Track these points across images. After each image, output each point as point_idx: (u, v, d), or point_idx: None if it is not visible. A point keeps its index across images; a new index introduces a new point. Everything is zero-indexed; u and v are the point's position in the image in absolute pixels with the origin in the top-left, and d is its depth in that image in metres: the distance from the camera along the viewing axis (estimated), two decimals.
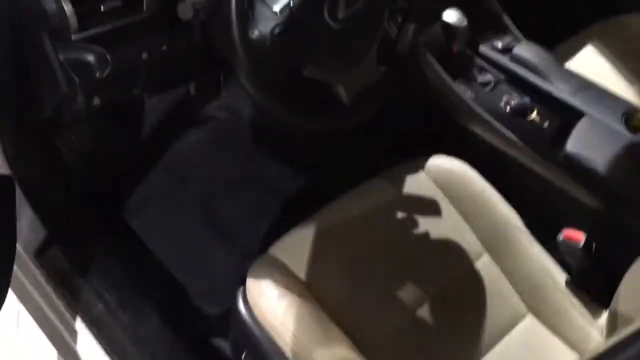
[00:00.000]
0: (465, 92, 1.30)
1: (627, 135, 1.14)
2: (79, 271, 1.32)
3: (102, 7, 0.91)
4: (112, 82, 0.98)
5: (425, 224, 1.16)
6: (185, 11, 0.93)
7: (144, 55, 1.00)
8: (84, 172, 1.46)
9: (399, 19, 1.13)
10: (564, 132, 1.19)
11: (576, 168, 1.13)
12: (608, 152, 1.12)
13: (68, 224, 1.37)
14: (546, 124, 1.22)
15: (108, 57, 0.94)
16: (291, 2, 0.91)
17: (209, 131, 1.69)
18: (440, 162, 1.22)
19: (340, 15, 0.96)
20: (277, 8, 0.91)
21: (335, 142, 1.51)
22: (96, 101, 1.02)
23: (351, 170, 1.32)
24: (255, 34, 0.90)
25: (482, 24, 1.42)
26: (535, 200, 1.27)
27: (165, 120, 1.63)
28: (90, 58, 0.92)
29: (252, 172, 1.60)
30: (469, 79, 1.33)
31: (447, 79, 1.31)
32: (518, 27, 1.44)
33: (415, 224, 1.17)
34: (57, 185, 1.39)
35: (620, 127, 1.16)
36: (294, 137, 1.59)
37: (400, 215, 1.18)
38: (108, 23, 0.94)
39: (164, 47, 1.02)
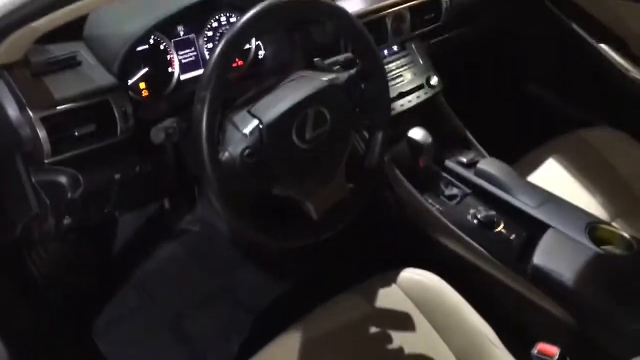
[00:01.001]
0: (433, 206, 1.34)
1: (591, 248, 1.17)
2: None
3: (75, 132, 0.94)
4: (84, 203, 1.00)
5: (399, 339, 1.14)
6: (157, 135, 0.96)
7: (117, 176, 1.02)
8: (53, 291, 1.43)
9: (366, 136, 1.18)
10: (531, 244, 1.21)
11: (544, 281, 1.14)
12: (574, 265, 1.13)
13: (34, 347, 1.32)
14: (513, 236, 1.25)
15: (80, 178, 0.96)
16: (260, 124, 0.95)
17: (182, 245, 1.68)
18: (412, 275, 1.22)
19: (308, 136, 0.99)
20: (246, 130, 0.94)
21: (307, 256, 1.51)
22: (67, 221, 1.02)
23: (323, 284, 1.31)
24: (225, 155, 0.92)
25: (447, 140, 1.49)
26: (508, 313, 1.26)
27: (138, 235, 1.63)
28: (63, 180, 0.94)
29: (224, 286, 1.59)
30: (436, 193, 1.38)
31: (415, 193, 1.35)
32: (481, 143, 1.50)
33: (388, 339, 1.15)
34: (25, 309, 1.36)
35: (585, 240, 1.19)
36: (267, 251, 1.59)
37: (373, 330, 1.16)
38: (82, 147, 0.96)
39: (137, 168, 1.04)
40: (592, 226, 1.22)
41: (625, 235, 1.21)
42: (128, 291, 1.53)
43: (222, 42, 0.90)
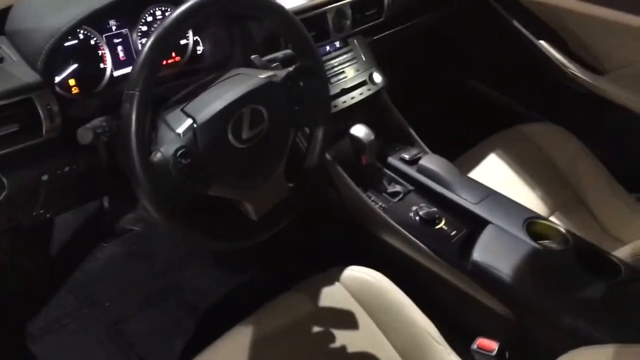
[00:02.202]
0: (375, 203, 1.34)
1: (529, 243, 1.19)
2: None
3: None
4: (10, 206, 0.95)
5: (343, 337, 1.14)
6: (84, 136, 0.92)
7: (45, 177, 0.97)
8: None
9: (307, 133, 1.16)
10: (471, 240, 1.22)
11: (483, 276, 1.16)
12: (512, 260, 1.15)
13: None
14: (454, 233, 1.26)
15: (4, 180, 0.91)
16: (194, 124, 0.92)
17: (123, 245, 1.64)
18: (355, 273, 1.22)
19: (245, 136, 0.97)
20: (180, 130, 0.91)
21: (251, 255, 1.49)
22: None
23: (267, 283, 1.29)
24: (157, 156, 0.89)
25: (390, 137, 1.49)
26: (450, 309, 1.28)
27: (77, 236, 1.58)
28: None
29: (167, 287, 1.55)
30: (379, 190, 1.38)
31: (358, 190, 1.34)
32: (424, 140, 1.51)
33: (332, 338, 1.14)
34: None
35: (523, 235, 1.21)
36: (210, 251, 1.56)
37: (317, 329, 1.16)
38: (4, 147, 0.91)
39: (67, 169, 1.00)
40: (530, 221, 1.25)
41: (562, 229, 1.23)
42: (66, 294, 1.48)
43: (151, 37, 0.87)
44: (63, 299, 1.46)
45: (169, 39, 0.89)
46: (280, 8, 1.03)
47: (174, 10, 0.89)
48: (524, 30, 1.79)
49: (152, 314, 1.49)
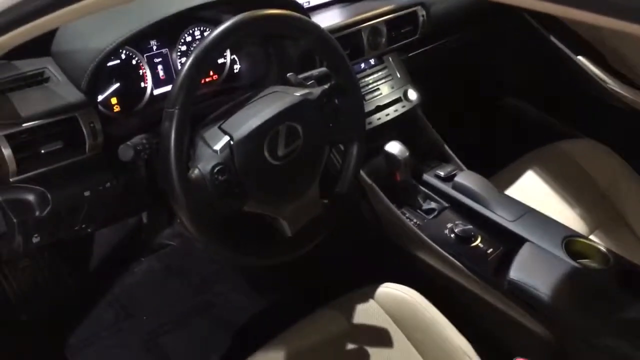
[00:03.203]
0: (410, 220, 1.33)
1: (568, 262, 1.16)
2: None
3: (42, 150, 0.92)
4: (53, 221, 0.97)
5: (377, 355, 1.13)
6: (125, 153, 0.95)
7: (87, 193, 1.00)
8: (27, 309, 1.41)
9: (342, 149, 1.17)
10: (508, 258, 1.20)
11: (521, 295, 1.14)
12: (550, 279, 1.13)
13: None
14: (490, 250, 1.24)
15: (48, 196, 0.94)
16: (231, 141, 0.94)
17: (160, 260, 1.67)
18: (389, 290, 1.22)
19: (281, 153, 0.98)
20: (217, 147, 0.93)
21: (285, 272, 1.49)
22: (36, 239, 1.00)
23: (301, 300, 1.30)
24: (195, 173, 0.91)
25: (425, 153, 1.48)
26: (486, 327, 1.25)
27: (116, 250, 1.62)
28: (30, 198, 0.92)
29: (202, 302, 1.57)
30: (413, 207, 1.37)
31: (393, 207, 1.34)
32: (460, 156, 1.50)
33: (366, 355, 1.14)
34: None
35: (562, 254, 1.18)
36: (246, 267, 1.58)
37: (351, 346, 1.15)
38: (49, 164, 0.94)
39: (108, 185, 1.02)
40: (569, 240, 1.22)
41: (602, 248, 1.20)
42: (104, 308, 1.51)
43: (191, 57, 0.89)
44: (101, 313, 1.49)
45: (207, 58, 0.91)
46: (315, 27, 1.04)
47: (213, 31, 0.91)
48: (561, 46, 1.77)
49: (187, 329, 1.51)
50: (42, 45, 1.00)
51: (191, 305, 1.56)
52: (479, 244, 1.26)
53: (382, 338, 1.16)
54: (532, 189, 1.53)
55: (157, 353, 1.44)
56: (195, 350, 1.46)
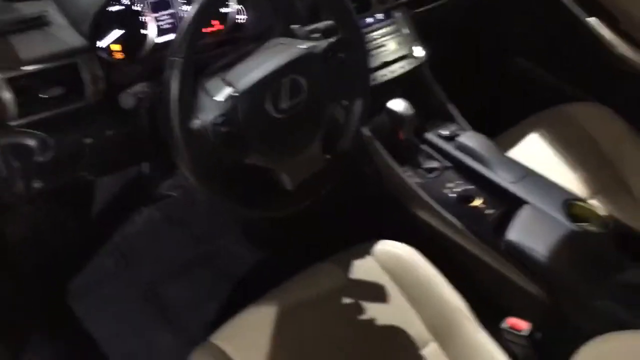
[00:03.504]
0: (411, 179, 1.33)
1: (567, 225, 1.17)
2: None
3: (43, 95, 0.91)
4: (54, 166, 0.98)
5: (373, 310, 1.15)
6: (126, 100, 0.94)
7: (88, 140, 1.00)
8: (28, 255, 1.42)
9: (346, 105, 1.16)
10: (507, 219, 1.21)
11: (518, 256, 1.15)
12: (548, 241, 1.13)
13: (9, 310, 1.32)
14: (490, 211, 1.25)
15: (50, 141, 0.94)
16: (234, 92, 0.92)
17: (161, 210, 1.68)
18: (387, 248, 1.23)
19: (284, 106, 0.97)
20: (219, 98, 0.92)
21: (286, 225, 1.50)
22: (37, 185, 1.00)
23: (300, 253, 1.31)
24: (197, 123, 0.90)
25: (429, 112, 1.47)
26: (482, 286, 1.27)
27: (117, 199, 1.62)
28: (31, 143, 0.92)
29: (202, 253, 1.59)
30: (415, 166, 1.37)
31: (394, 165, 1.34)
32: (465, 117, 1.49)
33: (362, 310, 1.16)
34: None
35: (561, 216, 1.19)
36: (247, 220, 1.59)
37: (347, 300, 1.17)
38: (50, 110, 0.93)
39: (109, 132, 1.02)
40: (569, 203, 1.22)
41: (602, 212, 1.21)
42: (104, 256, 1.52)
43: (196, 5, 0.87)
44: (101, 261, 1.51)
45: (212, 6, 0.90)
46: None
47: None
48: (573, 7, 1.73)
49: (187, 279, 1.53)
50: None
51: (191, 255, 1.58)
52: (479, 205, 1.27)
53: (378, 294, 1.17)
54: (535, 151, 1.52)
55: (156, 302, 1.47)
56: (194, 300, 1.49)
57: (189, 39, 0.87)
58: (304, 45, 1.01)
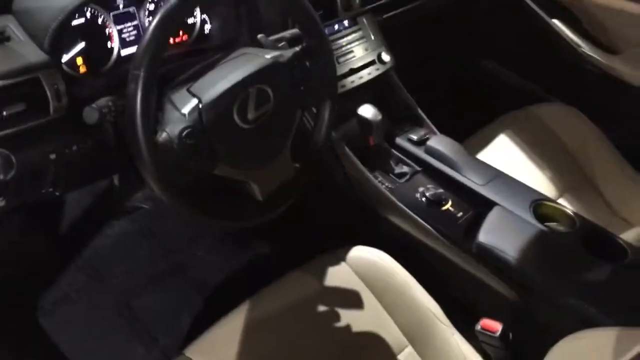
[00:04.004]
0: (382, 184, 1.33)
1: (535, 225, 1.18)
2: None
3: (3, 112, 0.89)
4: (18, 184, 0.96)
5: (348, 317, 1.15)
6: (90, 115, 0.92)
7: (53, 156, 0.98)
8: None
9: (314, 112, 1.16)
10: (477, 221, 1.22)
11: (488, 258, 1.16)
12: (517, 241, 1.15)
13: None
14: (460, 214, 1.26)
15: (12, 159, 0.92)
16: (199, 104, 0.92)
17: (133, 223, 1.66)
18: (361, 253, 1.23)
19: (250, 116, 0.96)
20: (185, 110, 0.91)
21: (258, 234, 1.50)
22: (1, 203, 0.98)
23: (273, 262, 1.31)
24: (162, 136, 0.89)
25: (398, 117, 1.48)
26: (455, 290, 1.28)
27: (87, 213, 1.60)
28: None
29: (175, 263, 1.57)
30: (386, 171, 1.37)
31: (365, 171, 1.34)
32: (434, 120, 1.50)
33: (337, 317, 1.16)
34: None
35: (529, 217, 1.20)
36: (219, 230, 1.58)
37: (322, 308, 1.17)
38: (12, 127, 0.91)
39: (74, 147, 1.01)
40: (537, 203, 1.24)
41: (569, 211, 1.23)
42: (76, 270, 1.50)
43: (157, 17, 0.87)
44: (73, 275, 1.49)
45: (174, 18, 0.89)
46: None
47: None
48: (536, 8, 1.76)
49: (160, 291, 1.51)
50: (2, 2, 0.97)
51: (164, 267, 1.57)
52: (450, 208, 1.28)
53: (353, 300, 1.17)
54: (503, 153, 1.54)
55: (129, 315, 1.45)
56: (167, 312, 1.47)
57: (150, 52, 0.86)
58: (269, 55, 1.01)
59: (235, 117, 0.95)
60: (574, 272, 1.10)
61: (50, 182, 1.02)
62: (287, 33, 1.14)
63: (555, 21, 1.74)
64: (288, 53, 1.04)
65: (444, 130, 1.47)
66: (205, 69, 1.00)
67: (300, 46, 1.07)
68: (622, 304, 1.04)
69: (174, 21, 0.89)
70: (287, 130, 1.07)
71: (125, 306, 1.46)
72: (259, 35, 1.10)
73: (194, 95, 0.93)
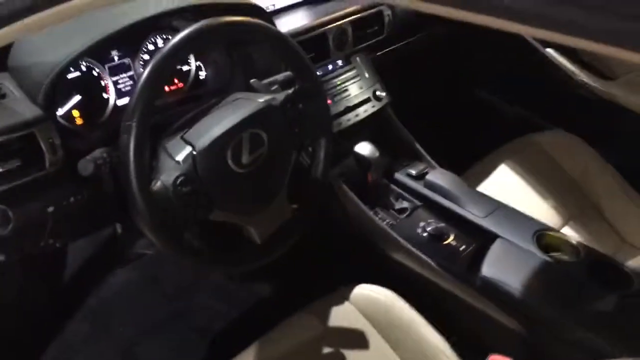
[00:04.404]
0: (383, 221, 1.33)
1: (539, 256, 1.17)
2: None
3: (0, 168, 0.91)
4: (17, 238, 0.96)
5: (354, 357, 1.13)
6: (85, 167, 0.93)
7: (50, 209, 0.98)
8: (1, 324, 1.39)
9: (310, 151, 1.16)
10: (480, 255, 1.21)
11: (493, 291, 1.14)
12: (521, 274, 1.13)
13: None
14: (462, 248, 1.25)
15: (10, 214, 0.93)
16: (193, 151, 0.93)
17: (136, 270, 1.65)
18: (364, 291, 1.22)
19: (245, 161, 0.97)
20: (179, 158, 0.92)
21: (259, 278, 1.49)
22: (1, 258, 0.98)
23: (276, 305, 1.29)
24: (157, 185, 0.90)
25: (396, 152, 1.48)
26: (461, 325, 1.26)
27: (90, 263, 1.60)
28: None
29: (179, 309, 1.56)
30: (386, 207, 1.37)
31: (365, 209, 1.34)
32: (432, 154, 1.50)
33: (343, 358, 1.14)
34: None
35: (533, 248, 1.19)
36: (221, 273, 1.57)
37: (327, 349, 1.15)
38: (8, 183, 0.92)
39: (72, 199, 1.01)
40: (540, 233, 1.23)
41: (573, 241, 1.21)
42: (80, 321, 1.49)
43: (147, 68, 0.88)
44: (77, 326, 1.48)
45: (165, 67, 0.90)
46: (275, 32, 1.03)
47: (170, 40, 0.90)
48: (530, 39, 1.77)
49: (164, 338, 1.50)
50: None
51: (168, 313, 1.55)
52: (452, 242, 1.26)
53: (358, 340, 1.16)
54: (504, 183, 1.53)
55: None
56: (172, 358, 1.45)
57: (142, 103, 0.87)
58: (262, 99, 1.02)
59: (230, 162, 0.95)
60: (580, 303, 1.08)
61: (49, 234, 1.02)
62: (280, 76, 1.16)
63: (549, 50, 1.75)
64: (281, 96, 1.04)
65: (445, 163, 1.47)
66: (199, 115, 1.01)
67: (292, 88, 1.08)
68: (629, 333, 1.02)
69: (164, 70, 0.90)
70: (283, 172, 1.07)
71: (130, 354, 1.45)
72: (252, 80, 1.12)
73: (187, 143, 0.94)
